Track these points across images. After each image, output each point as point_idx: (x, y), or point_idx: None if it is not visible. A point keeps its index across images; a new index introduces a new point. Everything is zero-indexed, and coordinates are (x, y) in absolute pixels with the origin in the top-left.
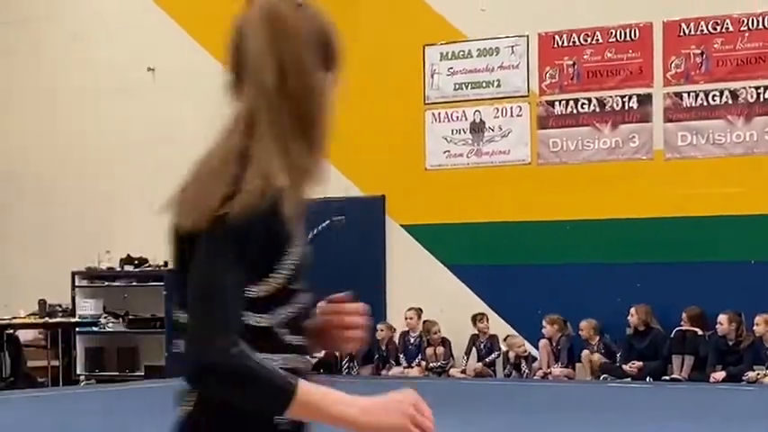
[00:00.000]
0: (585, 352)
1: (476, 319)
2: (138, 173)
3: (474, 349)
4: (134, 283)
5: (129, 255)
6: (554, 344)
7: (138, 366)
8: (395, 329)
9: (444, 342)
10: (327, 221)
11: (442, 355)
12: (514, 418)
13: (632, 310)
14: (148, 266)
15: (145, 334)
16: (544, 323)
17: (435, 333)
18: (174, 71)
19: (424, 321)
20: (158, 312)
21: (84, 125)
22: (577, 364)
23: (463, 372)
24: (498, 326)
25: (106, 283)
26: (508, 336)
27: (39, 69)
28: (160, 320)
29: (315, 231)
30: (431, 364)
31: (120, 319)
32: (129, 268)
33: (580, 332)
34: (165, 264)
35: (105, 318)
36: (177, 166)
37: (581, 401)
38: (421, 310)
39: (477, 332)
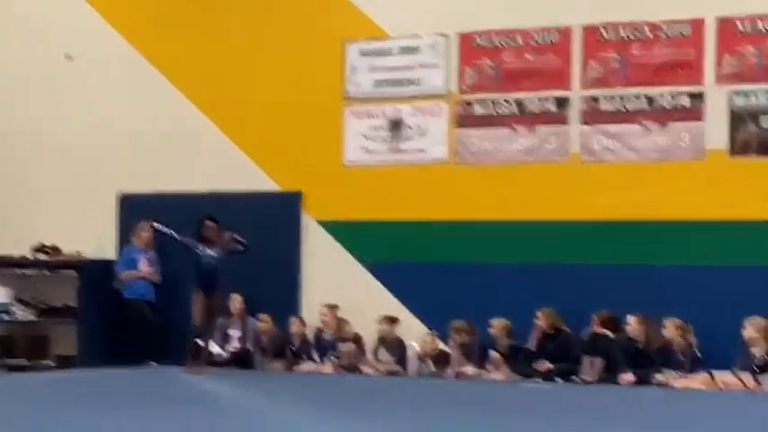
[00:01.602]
0: (494, 353)
1: (384, 320)
2: (53, 161)
3: (384, 348)
4: (46, 272)
5: (41, 243)
6: (463, 346)
7: (49, 355)
8: (306, 324)
9: (357, 338)
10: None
11: (353, 352)
12: (424, 415)
13: (538, 314)
14: (61, 255)
15: (56, 323)
16: (450, 332)
17: (348, 330)
18: (92, 59)
19: (339, 318)
20: (70, 301)
21: None
22: (488, 365)
23: (376, 369)
24: (412, 324)
25: (17, 271)
26: (424, 334)
27: None
28: (72, 309)
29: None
30: (342, 361)
31: (31, 308)
32: (41, 256)
33: (490, 329)
34: (78, 253)
35: (16, 306)
36: (92, 154)
37: (492, 400)
38: (336, 306)
39: (384, 333)
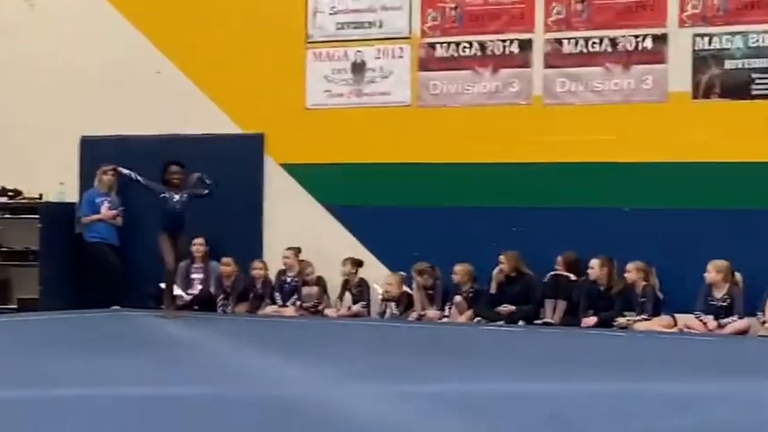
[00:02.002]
0: (458, 297)
1: (349, 262)
2: (17, 105)
3: (348, 292)
4: (7, 215)
5: (3, 186)
6: (427, 289)
7: (11, 299)
8: (268, 268)
9: (319, 281)
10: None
11: (316, 295)
12: (386, 359)
13: (501, 258)
14: (23, 198)
15: (18, 266)
16: (413, 274)
17: (310, 273)
18: (54, 3)
19: (300, 261)
20: (32, 245)
21: None
22: (452, 310)
23: (339, 312)
24: (375, 267)
25: None
26: (386, 276)
27: None
28: (34, 253)
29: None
30: (305, 304)
31: None
32: (2, 200)
33: (453, 275)
34: (40, 196)
35: None
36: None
37: (453, 344)
38: (299, 249)
39: (347, 276)
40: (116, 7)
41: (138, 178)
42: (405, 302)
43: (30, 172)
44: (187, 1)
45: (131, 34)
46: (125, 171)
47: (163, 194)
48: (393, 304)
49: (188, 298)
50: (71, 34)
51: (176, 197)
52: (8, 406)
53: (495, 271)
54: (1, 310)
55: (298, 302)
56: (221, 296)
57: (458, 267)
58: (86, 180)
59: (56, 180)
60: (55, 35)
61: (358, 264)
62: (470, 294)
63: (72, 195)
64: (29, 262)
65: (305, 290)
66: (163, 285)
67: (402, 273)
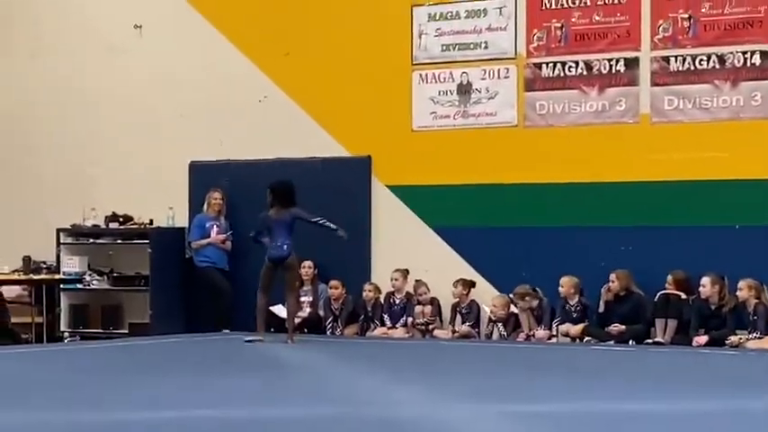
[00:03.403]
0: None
1: (460, 283)
2: (126, 131)
3: (458, 314)
4: (119, 241)
5: (114, 212)
6: (532, 310)
7: (122, 324)
8: (381, 290)
9: (433, 301)
10: (335, 227)
11: (429, 313)
12: (493, 379)
13: (612, 276)
14: (133, 224)
15: (129, 291)
16: (514, 297)
17: (423, 293)
18: (161, 28)
19: (416, 280)
20: (143, 270)
21: (72, 82)
22: (561, 326)
23: (452, 332)
24: (484, 288)
25: (91, 241)
26: (494, 297)
27: (24, 24)
28: (145, 278)
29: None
30: (417, 321)
31: (105, 277)
32: (114, 226)
33: (560, 288)
34: (151, 222)
35: (90, 275)
36: (163, 123)
37: (563, 362)
38: (407, 271)
39: (457, 298)
40: (223, 33)
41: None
42: (512, 323)
43: (140, 198)
44: (293, 26)
45: (239, 59)
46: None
47: (269, 246)
48: (500, 325)
49: (297, 321)
50: (179, 59)
51: (280, 244)
52: (127, 428)
53: (603, 289)
54: (113, 334)
55: (409, 321)
56: (330, 318)
57: (564, 279)
58: (195, 205)
59: (166, 205)
60: (163, 60)
61: (470, 285)
62: (578, 308)
63: (181, 220)
64: (140, 287)
65: (417, 308)
66: (274, 309)
67: (509, 295)
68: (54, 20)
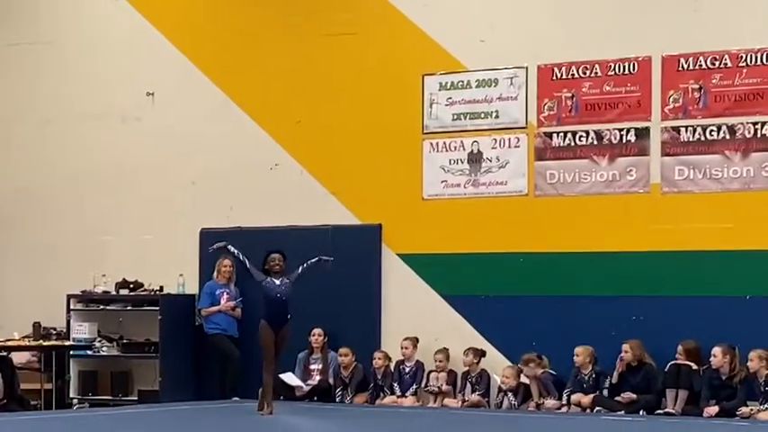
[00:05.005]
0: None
1: (471, 352)
2: (137, 198)
3: (468, 383)
4: (129, 308)
5: (124, 279)
6: (538, 379)
7: (132, 390)
8: (391, 358)
9: (450, 372)
10: (316, 258)
11: (444, 379)
12: None
13: (626, 347)
14: (143, 291)
15: (139, 358)
16: (521, 365)
17: (441, 360)
18: (173, 96)
19: (440, 349)
20: (153, 337)
21: (82, 149)
22: (572, 396)
23: (461, 401)
24: (493, 357)
25: (101, 307)
26: (504, 367)
27: (39, 92)
28: (154, 345)
29: (305, 266)
30: (431, 383)
31: (115, 343)
32: (124, 292)
33: (575, 357)
34: (161, 288)
35: (99, 341)
36: (175, 192)
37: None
38: (417, 339)
39: (467, 367)
40: (235, 101)
41: (245, 260)
42: (522, 393)
43: (150, 264)
44: (304, 94)
45: (250, 126)
46: (234, 250)
47: (264, 281)
48: (510, 394)
49: (307, 388)
50: (191, 126)
51: (278, 282)
52: None
53: (618, 360)
54: (122, 401)
55: (421, 387)
56: (339, 387)
57: (579, 349)
58: (206, 272)
59: (176, 272)
60: (175, 127)
61: (480, 354)
62: (591, 378)
63: (192, 287)
64: (149, 353)
65: (433, 375)
66: (283, 377)
67: (519, 365)
68: (68, 87)
